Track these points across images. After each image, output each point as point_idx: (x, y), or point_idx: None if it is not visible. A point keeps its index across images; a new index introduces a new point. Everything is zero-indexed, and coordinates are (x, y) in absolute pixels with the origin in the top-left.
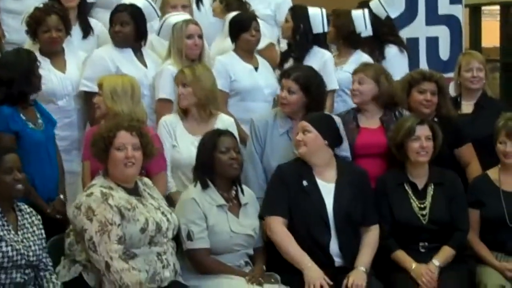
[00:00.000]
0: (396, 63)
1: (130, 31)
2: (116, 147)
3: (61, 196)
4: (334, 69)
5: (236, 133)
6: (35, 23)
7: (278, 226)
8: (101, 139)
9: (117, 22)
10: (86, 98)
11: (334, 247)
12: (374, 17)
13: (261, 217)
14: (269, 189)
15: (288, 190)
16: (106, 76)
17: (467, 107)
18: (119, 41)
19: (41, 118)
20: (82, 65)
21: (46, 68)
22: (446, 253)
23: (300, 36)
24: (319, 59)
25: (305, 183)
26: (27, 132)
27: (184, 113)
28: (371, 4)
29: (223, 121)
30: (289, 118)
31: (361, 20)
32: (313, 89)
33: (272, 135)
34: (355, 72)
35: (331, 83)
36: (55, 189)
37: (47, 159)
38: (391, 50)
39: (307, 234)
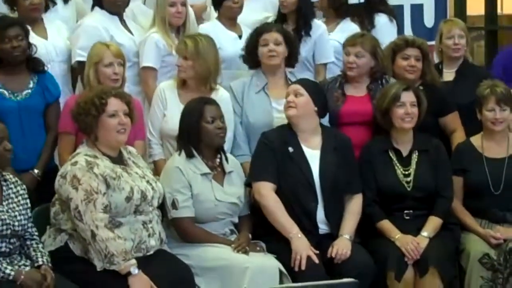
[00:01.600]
0: (386, 32)
1: None
2: (109, 114)
3: (35, 171)
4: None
5: (230, 108)
6: None
7: (268, 191)
8: (92, 107)
9: None
10: (80, 67)
11: (320, 214)
12: None
13: (248, 184)
14: (256, 156)
15: (275, 156)
16: (112, 45)
17: (448, 74)
18: (120, 5)
19: (36, 87)
20: (70, 33)
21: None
22: (433, 223)
23: (305, 9)
24: (315, 31)
25: (290, 149)
26: None
27: (182, 82)
28: None
29: (220, 96)
30: (263, 75)
31: None
32: (292, 41)
33: (249, 94)
34: (351, 44)
35: (328, 56)
36: (27, 161)
37: (18, 129)
38: (381, 19)
39: (294, 200)
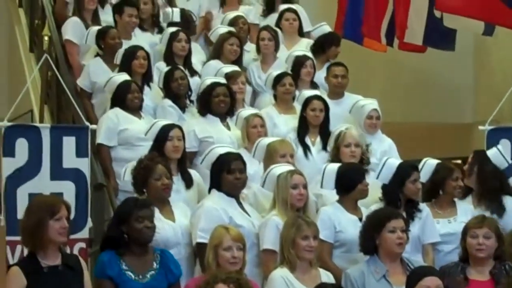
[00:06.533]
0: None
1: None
2: None
3: None
4: (447, 221)
5: None
6: (145, 172)
7: None
8: None
9: (236, 169)
10: (200, 249)
11: None
12: (494, 168)
13: None
14: None
15: None
16: (232, 229)
17: None
18: (240, 187)
19: (158, 268)
20: (190, 215)
21: (157, 218)
22: None
23: None
24: (422, 211)
25: None
26: (122, 280)
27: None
28: (489, 154)
29: (326, 273)
30: (381, 262)
31: (499, 156)
32: (408, 225)
33: (369, 283)
34: (479, 226)
35: (435, 235)
36: None
37: None
38: (509, 202)
39: None
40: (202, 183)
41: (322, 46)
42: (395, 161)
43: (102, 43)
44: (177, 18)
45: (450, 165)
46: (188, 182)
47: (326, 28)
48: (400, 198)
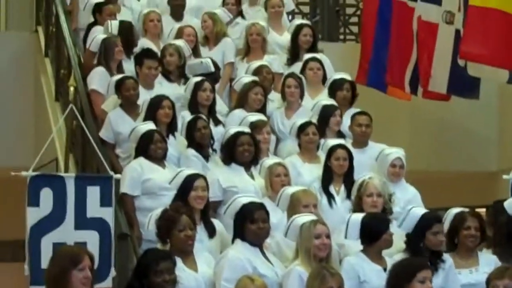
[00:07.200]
0: None
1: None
2: None
3: None
4: (469, 271)
5: None
6: (169, 223)
7: None
8: None
9: (259, 219)
10: None
11: None
12: (508, 218)
13: None
14: None
15: None
16: (257, 280)
17: None
18: (264, 237)
19: None
20: (214, 265)
21: (180, 268)
22: None
23: None
24: (446, 261)
25: None
26: None
27: None
28: (506, 204)
29: None
30: None
31: None
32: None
33: None
34: (500, 277)
35: (457, 287)
36: None
37: None
38: None
39: None
40: (225, 232)
41: (332, 94)
42: (420, 211)
43: (119, 94)
44: (211, 68)
45: (465, 214)
46: (211, 231)
47: (334, 75)
48: (422, 249)
